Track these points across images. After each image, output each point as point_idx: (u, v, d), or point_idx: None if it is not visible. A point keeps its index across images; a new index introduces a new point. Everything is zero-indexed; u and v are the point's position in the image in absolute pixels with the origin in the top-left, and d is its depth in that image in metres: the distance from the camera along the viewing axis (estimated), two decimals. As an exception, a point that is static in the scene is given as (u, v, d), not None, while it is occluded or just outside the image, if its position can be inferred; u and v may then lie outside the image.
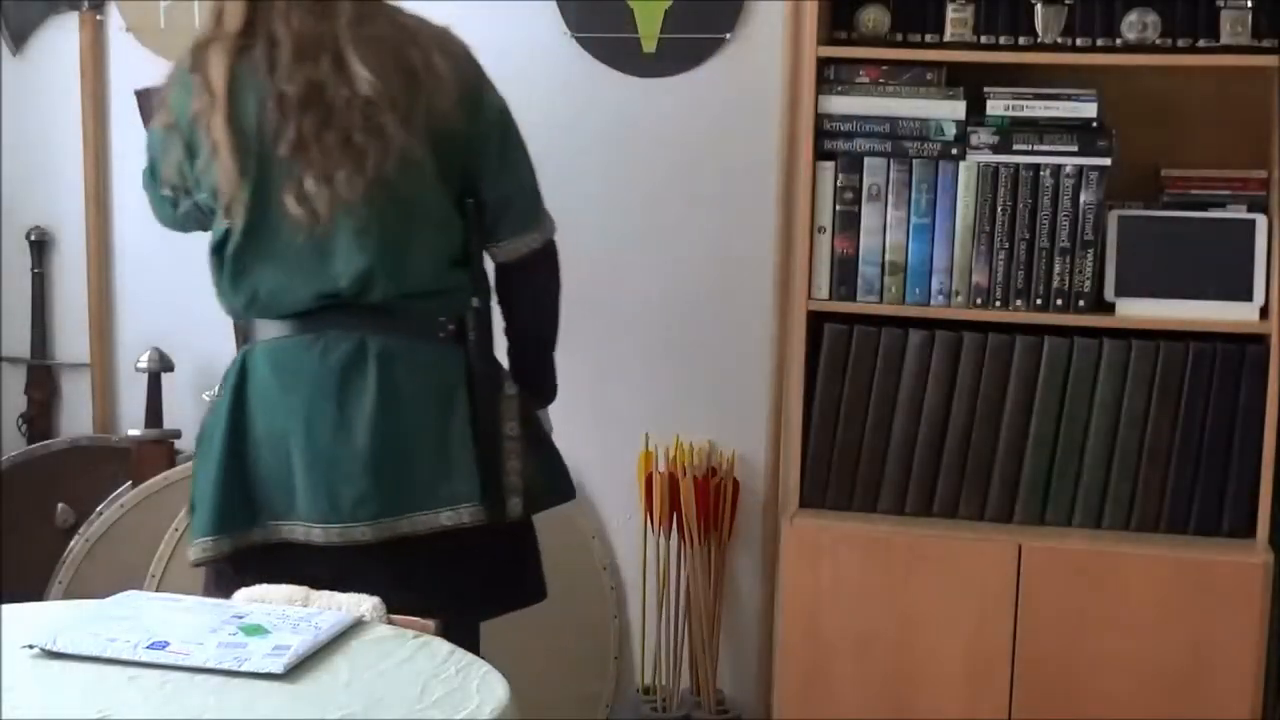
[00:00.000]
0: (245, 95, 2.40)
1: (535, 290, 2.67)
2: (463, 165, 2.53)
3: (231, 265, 2.48)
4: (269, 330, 2.50)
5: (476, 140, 2.54)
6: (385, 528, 2.46)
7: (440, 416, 2.50)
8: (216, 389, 2.60)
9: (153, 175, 2.57)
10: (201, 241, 2.55)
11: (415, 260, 2.49)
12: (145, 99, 3.51)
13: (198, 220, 2.56)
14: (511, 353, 2.68)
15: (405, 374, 2.48)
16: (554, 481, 2.67)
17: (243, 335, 2.56)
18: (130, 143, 3.55)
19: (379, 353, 2.46)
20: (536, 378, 2.70)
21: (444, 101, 2.46)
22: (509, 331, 2.67)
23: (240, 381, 2.50)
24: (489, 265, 2.61)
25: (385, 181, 2.42)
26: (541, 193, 2.64)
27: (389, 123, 2.40)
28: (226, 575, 2.47)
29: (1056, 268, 2.90)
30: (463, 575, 2.53)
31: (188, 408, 3.54)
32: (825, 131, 2.96)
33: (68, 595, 3.12)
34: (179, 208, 2.55)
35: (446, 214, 2.52)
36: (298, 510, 2.46)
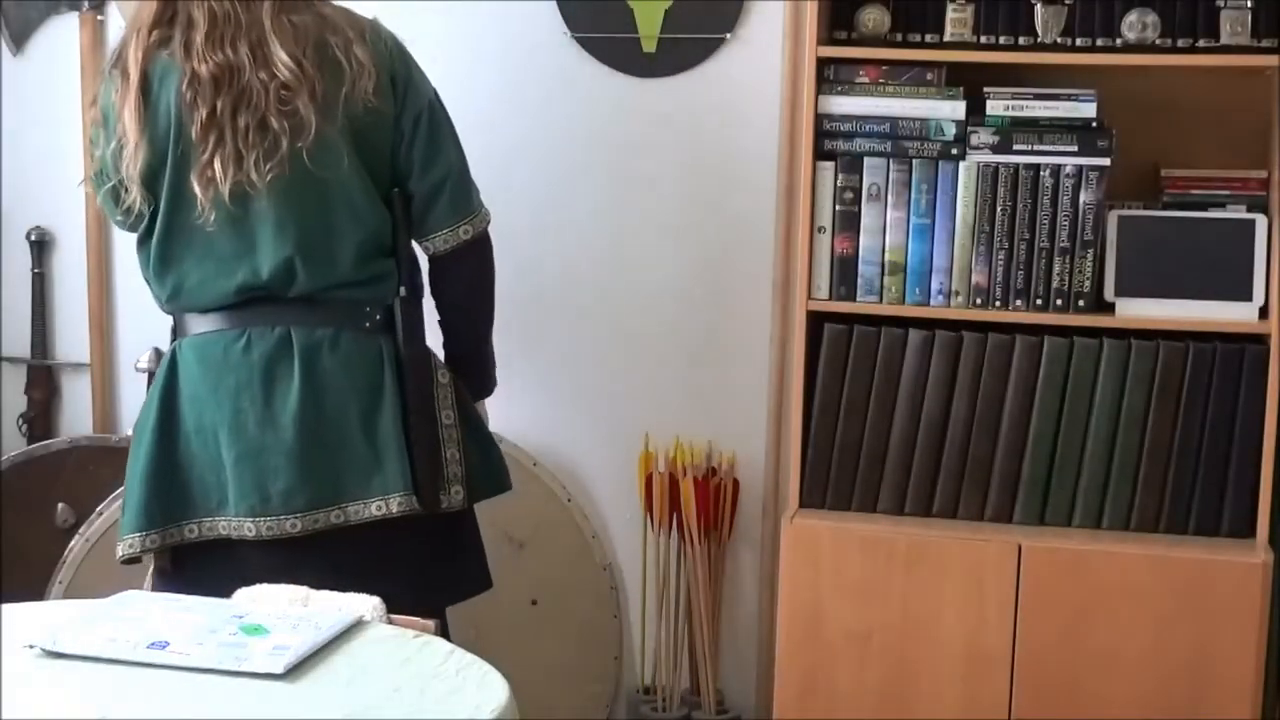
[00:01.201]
0: (165, 83, 2.43)
1: (467, 281, 2.66)
2: (389, 155, 2.54)
3: (155, 257, 2.50)
4: (195, 324, 2.52)
5: (403, 130, 2.54)
6: (314, 519, 2.47)
7: (368, 407, 2.51)
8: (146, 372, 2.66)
9: (96, 174, 2.57)
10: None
11: (337, 250, 2.50)
12: None
13: (140, 215, 2.55)
14: (446, 344, 2.68)
15: (331, 365, 2.49)
16: (492, 472, 2.67)
17: (173, 330, 2.59)
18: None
19: (303, 345, 2.48)
20: (473, 368, 2.69)
21: (366, 90, 2.46)
22: (442, 323, 2.67)
23: (169, 376, 2.52)
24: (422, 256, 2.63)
25: (304, 171, 2.43)
26: (474, 184, 2.63)
27: (306, 109, 2.41)
28: (167, 573, 2.50)
29: (1056, 268, 2.90)
30: (400, 567, 2.53)
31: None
32: (825, 131, 2.96)
33: (68, 595, 3.12)
34: (120, 203, 2.53)
35: (370, 203, 2.52)
36: (228, 506, 2.48)
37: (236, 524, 2.47)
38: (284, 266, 2.46)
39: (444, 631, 2.44)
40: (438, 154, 2.57)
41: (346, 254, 2.50)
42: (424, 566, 2.59)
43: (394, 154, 2.54)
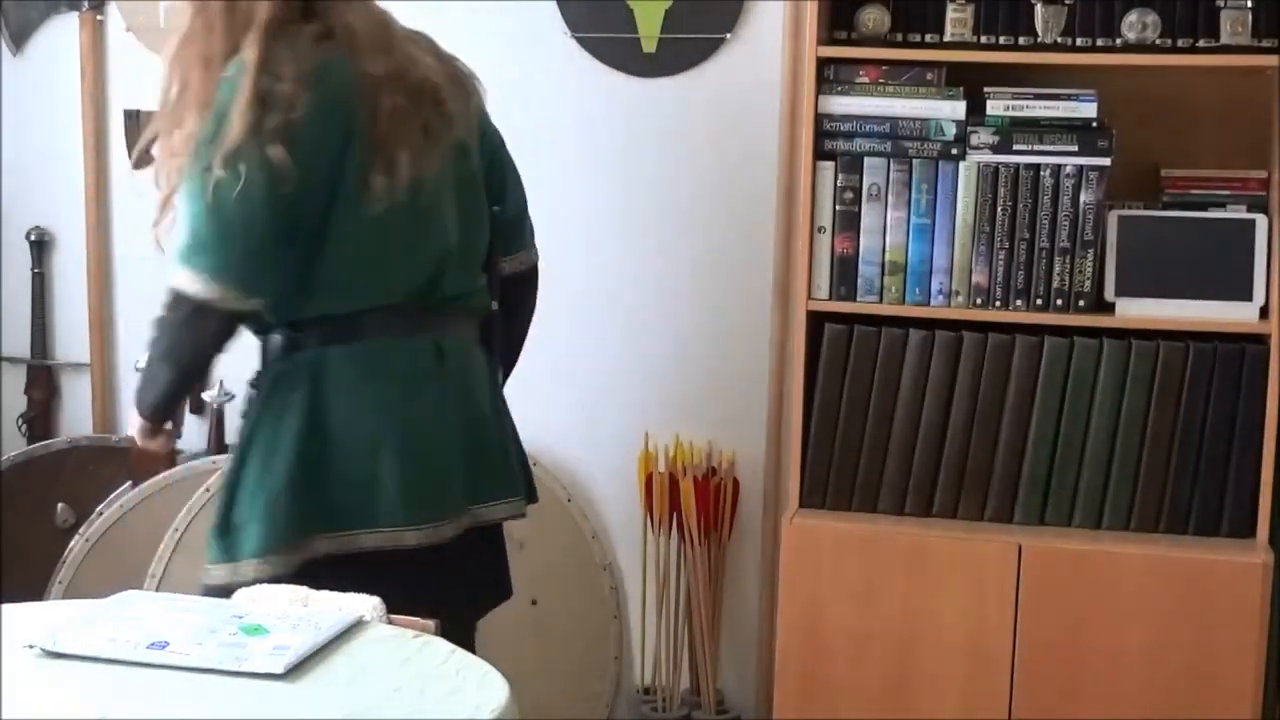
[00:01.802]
0: (329, 80, 2.34)
1: (530, 303, 2.77)
2: (487, 173, 2.58)
3: (308, 258, 2.38)
4: (343, 331, 2.42)
5: (494, 152, 2.61)
6: (460, 524, 2.50)
7: (496, 412, 2.58)
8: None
9: (271, 176, 2.30)
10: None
11: (473, 257, 2.55)
12: (133, 120, 3.52)
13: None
14: (502, 358, 2.71)
15: (470, 370, 2.53)
16: (531, 479, 2.73)
17: (296, 337, 2.43)
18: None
19: (450, 349, 2.50)
20: (506, 380, 2.76)
21: (475, 105, 2.54)
22: (504, 339, 2.71)
23: (315, 386, 2.40)
24: None
25: (452, 172, 2.46)
26: None
27: (454, 111, 2.46)
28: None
29: (1056, 268, 2.90)
30: (467, 573, 2.56)
31: (186, 408, 3.54)
32: (825, 131, 2.96)
33: (68, 595, 3.12)
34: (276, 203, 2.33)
35: (486, 213, 2.58)
36: (381, 517, 2.40)
37: (392, 535, 2.41)
38: (438, 269, 2.46)
39: (471, 641, 2.45)
40: (517, 180, 2.67)
41: (476, 261, 2.55)
42: (476, 575, 2.61)
43: (489, 172, 2.59)
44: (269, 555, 2.36)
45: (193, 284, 2.30)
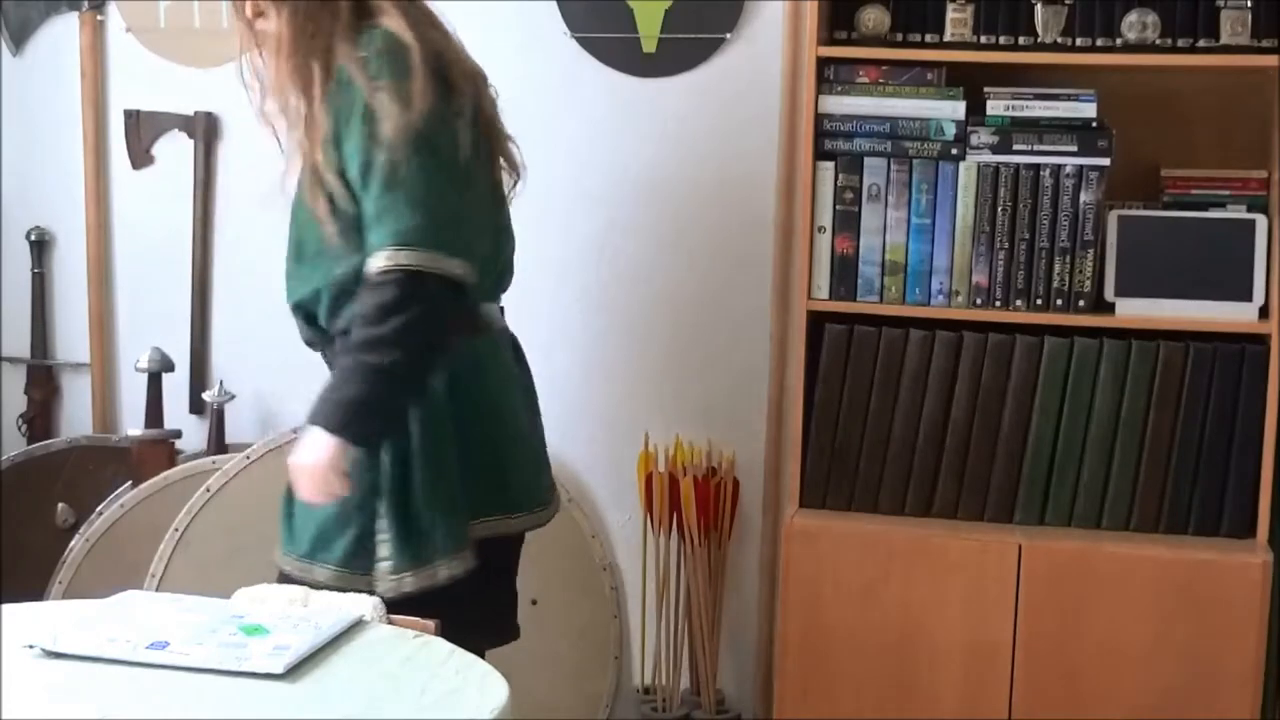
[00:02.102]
0: (453, 74, 2.40)
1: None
2: None
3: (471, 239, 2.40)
4: (469, 322, 2.41)
5: None
6: (546, 514, 2.57)
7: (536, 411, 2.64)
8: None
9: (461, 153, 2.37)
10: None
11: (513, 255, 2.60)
12: (133, 120, 3.52)
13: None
14: None
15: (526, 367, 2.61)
16: None
17: (456, 323, 2.35)
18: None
19: (518, 346, 2.58)
20: None
21: None
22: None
23: (464, 377, 2.40)
24: None
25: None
26: None
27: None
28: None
29: (1056, 268, 2.90)
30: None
31: (187, 408, 3.54)
32: (825, 131, 2.96)
33: (68, 595, 3.12)
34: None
35: None
36: (508, 501, 2.49)
37: (519, 520, 2.52)
38: (511, 262, 2.56)
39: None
40: None
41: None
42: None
43: None
44: (462, 550, 2.38)
45: (436, 262, 2.25)
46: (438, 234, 2.25)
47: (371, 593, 2.20)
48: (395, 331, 2.22)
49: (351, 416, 2.24)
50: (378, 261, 2.24)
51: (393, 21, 2.31)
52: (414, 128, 2.25)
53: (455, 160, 2.32)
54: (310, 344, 2.49)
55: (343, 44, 2.31)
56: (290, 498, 2.38)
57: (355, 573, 2.34)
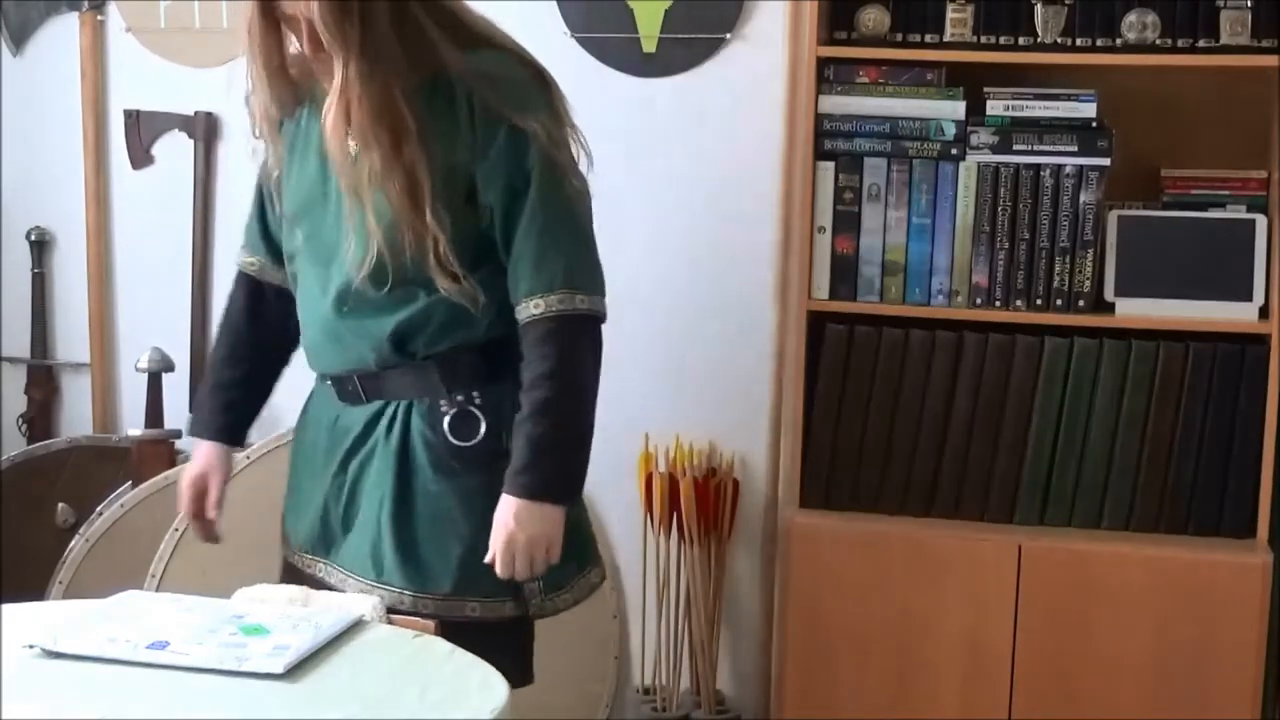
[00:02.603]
0: None
1: None
2: None
3: None
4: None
5: None
6: None
7: None
8: None
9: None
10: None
11: None
12: (133, 120, 3.52)
13: None
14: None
15: None
16: None
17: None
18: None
19: None
20: None
21: None
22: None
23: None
24: None
25: None
26: None
27: None
28: None
29: (1056, 268, 2.90)
30: None
31: (187, 408, 3.54)
32: (825, 131, 2.96)
33: (68, 595, 3.12)
34: None
35: None
36: None
37: None
38: None
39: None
40: None
41: None
42: None
43: None
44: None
45: (598, 305, 2.29)
46: (592, 279, 2.28)
47: (524, 618, 2.27)
48: (587, 379, 2.27)
49: (576, 482, 2.25)
50: (552, 304, 2.21)
51: (507, 41, 2.24)
52: (570, 160, 2.23)
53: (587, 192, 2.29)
54: (373, 373, 2.26)
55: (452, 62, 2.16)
56: (406, 539, 2.22)
57: (506, 598, 2.27)
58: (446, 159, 2.15)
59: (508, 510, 2.15)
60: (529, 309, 2.19)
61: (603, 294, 2.26)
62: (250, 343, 2.45)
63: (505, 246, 2.20)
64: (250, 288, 2.45)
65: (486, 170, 2.16)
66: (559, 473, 2.19)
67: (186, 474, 2.45)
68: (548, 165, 2.18)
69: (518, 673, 2.16)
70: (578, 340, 2.22)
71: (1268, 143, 2.91)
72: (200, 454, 2.45)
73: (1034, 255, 2.90)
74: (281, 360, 2.48)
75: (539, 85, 2.25)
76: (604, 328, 3.39)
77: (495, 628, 2.23)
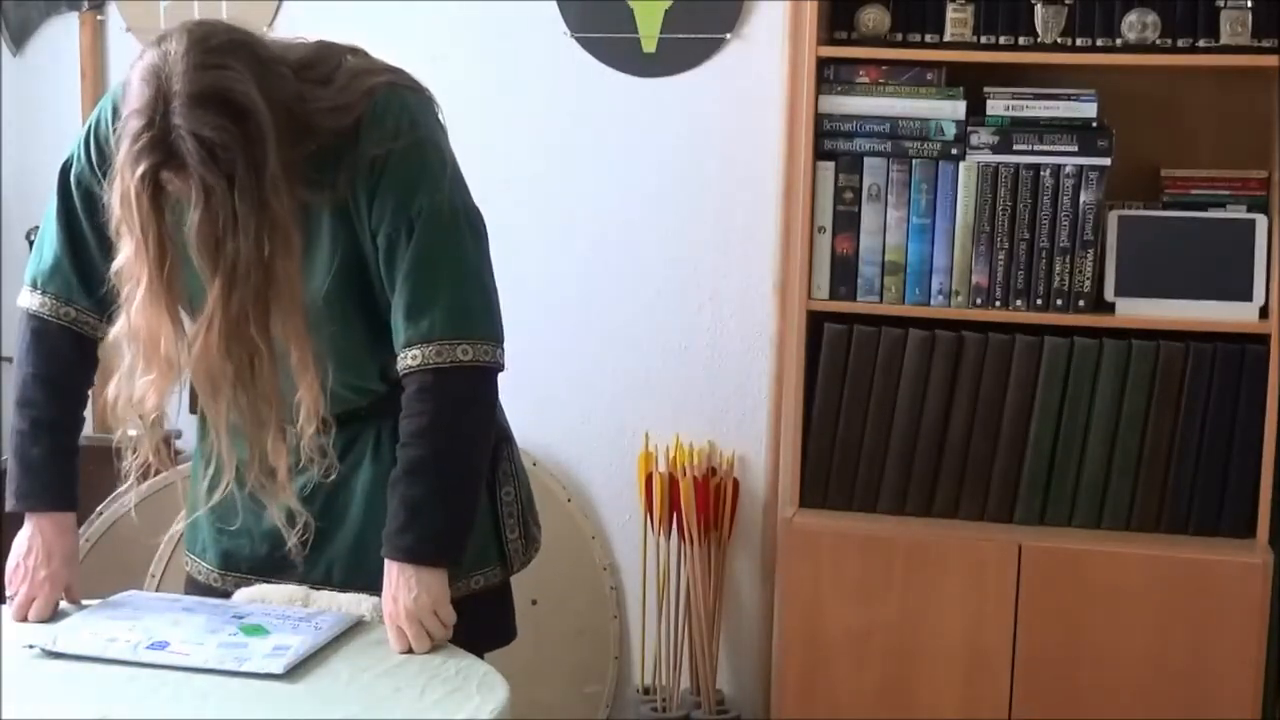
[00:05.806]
0: None
1: None
2: None
3: None
4: None
5: None
6: None
7: None
8: None
9: None
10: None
11: None
12: None
13: None
14: None
15: None
16: None
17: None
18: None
19: None
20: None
21: None
22: None
23: None
24: None
25: None
26: None
27: None
28: None
29: (1056, 268, 2.90)
30: None
31: (187, 408, 3.53)
32: (825, 131, 2.96)
33: (68, 595, 3.12)
34: None
35: None
36: None
37: None
38: None
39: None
40: None
41: None
42: None
43: None
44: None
45: (487, 354, 2.01)
46: (487, 324, 2.01)
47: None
48: (466, 433, 2.01)
49: (456, 540, 2.02)
50: (429, 356, 1.97)
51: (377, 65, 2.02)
52: (463, 200, 2.02)
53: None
54: (354, 415, 2.11)
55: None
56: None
57: (494, 563, 2.23)
58: (346, 257, 2.00)
59: (390, 580, 1.98)
60: (405, 360, 1.98)
61: (497, 340, 2.01)
62: (81, 399, 2.40)
63: (390, 291, 2.01)
64: (72, 337, 2.31)
65: (377, 210, 1.98)
66: (436, 533, 1.99)
67: (49, 564, 2.07)
68: (434, 210, 1.97)
69: (507, 631, 2.27)
70: (457, 394, 1.98)
71: (1268, 143, 2.91)
72: (58, 532, 2.17)
73: (1034, 255, 2.90)
74: None
75: (430, 136, 2.01)
76: (604, 327, 3.42)
77: (483, 595, 2.19)
